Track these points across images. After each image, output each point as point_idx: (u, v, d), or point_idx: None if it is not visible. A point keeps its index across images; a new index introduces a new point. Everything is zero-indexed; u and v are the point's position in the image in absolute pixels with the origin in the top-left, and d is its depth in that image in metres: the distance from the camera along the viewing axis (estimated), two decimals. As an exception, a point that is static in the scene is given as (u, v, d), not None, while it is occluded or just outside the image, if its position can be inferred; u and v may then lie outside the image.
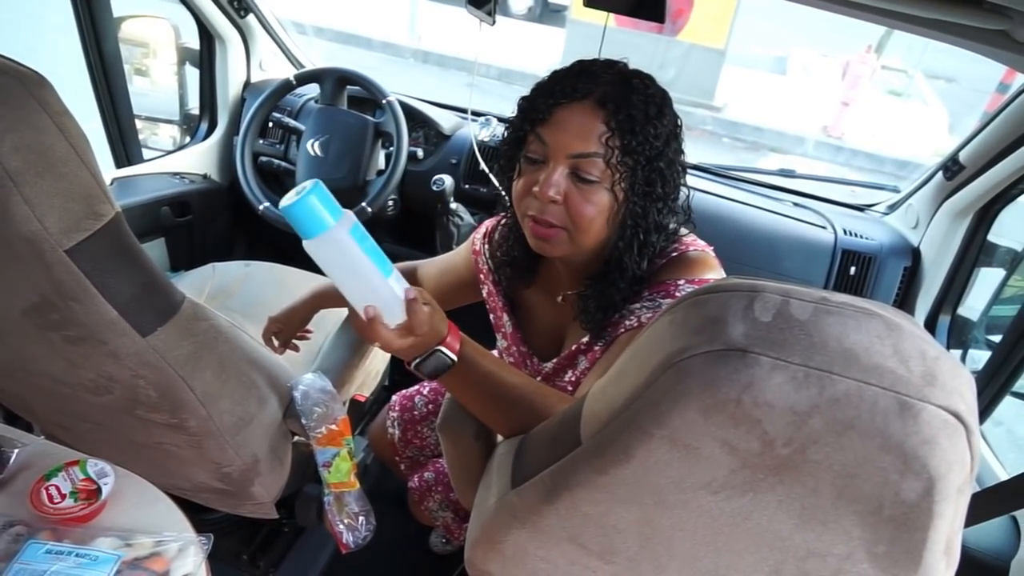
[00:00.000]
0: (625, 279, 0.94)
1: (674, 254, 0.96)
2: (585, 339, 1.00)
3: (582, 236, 0.92)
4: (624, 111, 0.87)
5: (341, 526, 1.20)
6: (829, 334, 0.43)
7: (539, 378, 1.09)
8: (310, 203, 0.72)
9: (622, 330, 0.93)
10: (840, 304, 0.45)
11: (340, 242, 0.74)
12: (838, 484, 0.45)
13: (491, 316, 1.19)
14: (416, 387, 1.50)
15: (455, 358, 0.84)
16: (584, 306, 0.97)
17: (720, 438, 0.46)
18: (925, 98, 7.91)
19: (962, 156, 1.55)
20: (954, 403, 0.43)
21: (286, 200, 0.73)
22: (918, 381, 0.43)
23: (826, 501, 0.46)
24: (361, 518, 1.21)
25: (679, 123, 0.95)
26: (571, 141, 0.88)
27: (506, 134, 0.99)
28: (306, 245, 0.74)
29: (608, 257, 0.96)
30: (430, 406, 1.45)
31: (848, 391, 0.42)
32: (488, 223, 1.21)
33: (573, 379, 1.04)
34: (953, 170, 1.57)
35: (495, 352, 1.29)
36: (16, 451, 0.90)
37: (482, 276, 1.18)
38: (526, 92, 0.96)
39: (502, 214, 1.12)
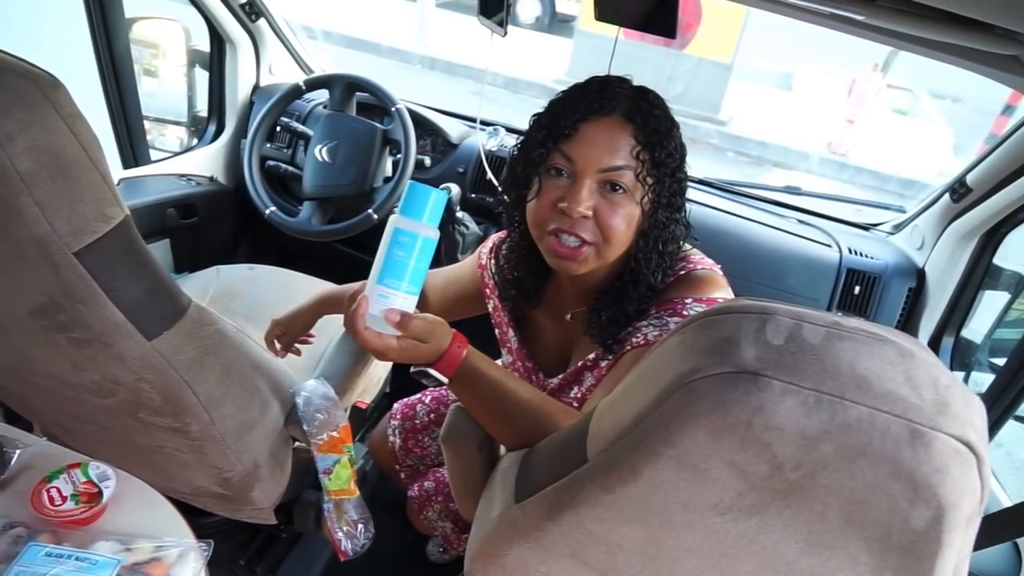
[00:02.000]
0: (638, 291, 0.94)
1: (682, 272, 0.96)
2: (591, 356, 1.00)
3: (610, 250, 0.92)
4: (651, 125, 0.89)
5: (340, 533, 1.19)
6: (841, 359, 0.43)
7: (545, 394, 1.09)
8: (429, 194, 0.78)
9: (628, 347, 0.92)
10: (852, 329, 0.45)
11: (409, 236, 0.79)
12: (846, 510, 0.45)
13: (496, 331, 1.19)
14: (418, 396, 1.50)
15: (445, 380, 0.86)
16: (595, 320, 0.97)
17: (729, 460, 0.45)
18: (930, 117, 7.93)
19: (969, 179, 1.55)
20: (966, 432, 0.43)
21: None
22: (930, 409, 0.43)
23: (833, 526, 0.46)
24: (360, 526, 1.21)
25: (681, 135, 0.96)
26: (601, 156, 0.88)
27: (518, 151, 0.98)
28: (392, 218, 0.80)
29: (622, 270, 0.96)
30: (432, 415, 1.45)
31: (860, 417, 0.42)
32: (494, 237, 1.20)
33: (579, 395, 1.03)
34: (960, 192, 1.57)
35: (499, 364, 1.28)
36: (18, 452, 0.90)
37: (488, 291, 1.18)
38: (532, 100, 0.97)
39: (507, 230, 1.11)
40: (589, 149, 0.89)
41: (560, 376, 1.06)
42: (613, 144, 0.88)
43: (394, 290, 0.79)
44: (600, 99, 0.89)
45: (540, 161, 0.93)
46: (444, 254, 1.85)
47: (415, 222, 0.78)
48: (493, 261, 1.16)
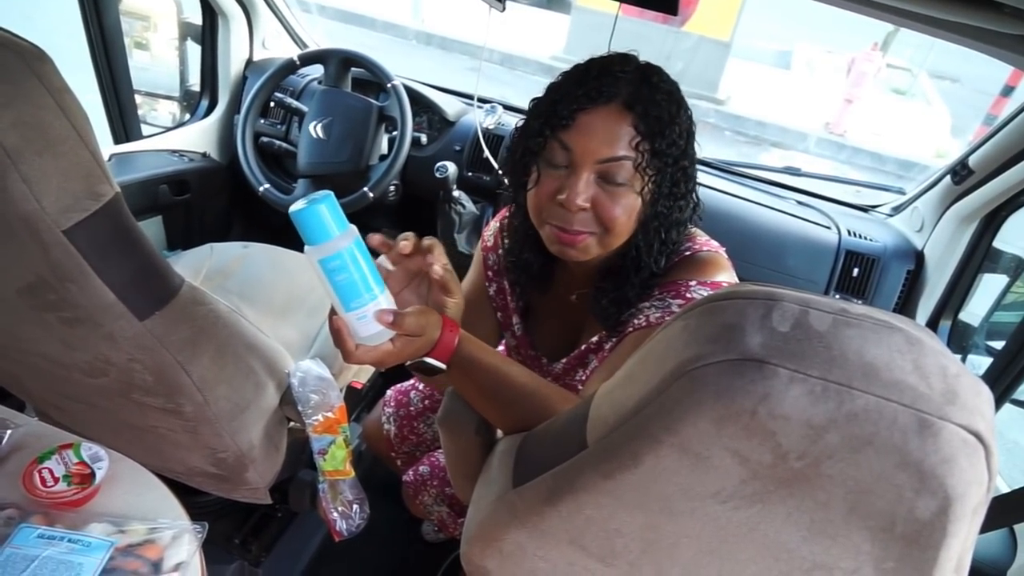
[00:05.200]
0: (640, 277, 0.93)
1: (687, 252, 0.95)
2: (595, 338, 0.99)
3: (612, 239, 0.90)
4: (652, 113, 0.86)
5: (335, 514, 1.19)
6: (849, 347, 0.42)
7: (549, 379, 1.08)
8: (318, 210, 0.72)
9: (630, 329, 0.92)
10: (860, 316, 0.44)
11: (335, 256, 0.74)
12: (850, 499, 0.44)
13: (498, 314, 1.17)
14: (411, 381, 1.48)
15: (443, 367, 0.84)
16: (597, 303, 0.96)
17: (732, 448, 0.45)
18: (928, 98, 7.89)
19: (971, 160, 1.54)
20: (974, 422, 0.42)
21: (297, 205, 0.73)
22: (938, 399, 0.42)
23: (837, 515, 0.46)
24: (355, 506, 1.21)
25: (691, 115, 0.94)
26: (599, 147, 0.86)
27: (517, 139, 0.96)
28: (307, 251, 0.75)
29: (625, 254, 0.94)
30: (426, 401, 1.44)
31: (867, 407, 0.41)
32: (499, 217, 1.16)
33: (583, 378, 1.03)
34: (962, 174, 1.56)
35: (502, 347, 1.27)
36: (9, 432, 0.89)
37: (491, 274, 1.15)
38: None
39: (506, 210, 1.09)
40: (587, 140, 0.86)
41: (565, 360, 1.06)
42: (612, 135, 0.86)
43: (364, 306, 0.76)
44: (599, 86, 0.86)
45: (538, 150, 0.90)
46: (440, 234, 1.84)
47: (328, 243, 0.73)
48: (504, 242, 1.12)
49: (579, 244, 0.90)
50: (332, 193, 0.74)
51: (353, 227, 0.76)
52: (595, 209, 0.88)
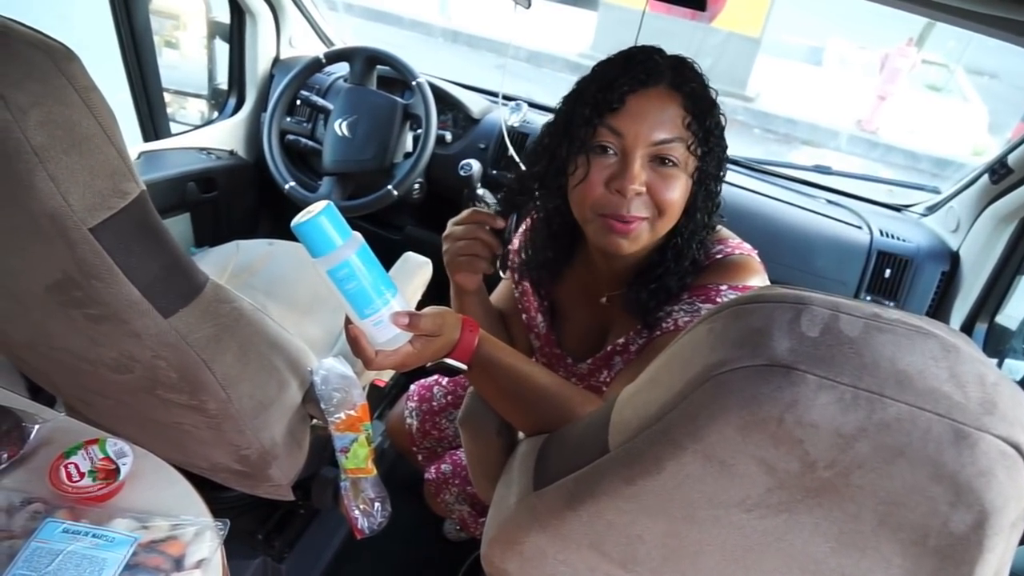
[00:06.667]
0: (681, 266, 0.92)
1: (718, 256, 0.93)
2: (621, 340, 0.98)
3: (663, 224, 0.89)
4: (699, 93, 0.86)
5: (356, 512, 1.20)
6: (881, 354, 0.41)
7: (573, 379, 1.07)
8: (319, 222, 0.73)
9: (658, 332, 0.90)
10: (893, 321, 0.42)
11: (342, 265, 0.75)
12: (881, 511, 0.43)
13: (523, 316, 1.16)
14: (435, 377, 1.48)
15: (463, 367, 0.84)
16: (635, 296, 0.95)
17: (758, 456, 0.43)
18: (965, 94, 7.70)
19: (1011, 159, 1.49)
20: (1014, 434, 0.40)
21: (298, 219, 0.74)
22: (976, 408, 0.40)
23: (867, 527, 0.44)
24: (377, 504, 1.21)
25: None
26: (651, 130, 0.85)
27: (553, 130, 0.93)
28: (316, 264, 0.76)
29: (664, 247, 0.93)
30: (449, 397, 1.44)
31: (899, 416, 0.40)
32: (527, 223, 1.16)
33: (608, 379, 1.02)
34: (1000, 173, 1.51)
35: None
36: (36, 427, 0.90)
37: (516, 276, 1.15)
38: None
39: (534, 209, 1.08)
40: (639, 123, 0.85)
41: (590, 360, 1.05)
42: (663, 116, 0.85)
43: (378, 311, 0.77)
44: (645, 70, 0.85)
45: (586, 139, 0.88)
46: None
47: (333, 253, 0.75)
48: (526, 242, 1.11)
49: (632, 232, 0.88)
50: (331, 203, 0.75)
51: (357, 234, 0.77)
52: (650, 193, 0.86)
